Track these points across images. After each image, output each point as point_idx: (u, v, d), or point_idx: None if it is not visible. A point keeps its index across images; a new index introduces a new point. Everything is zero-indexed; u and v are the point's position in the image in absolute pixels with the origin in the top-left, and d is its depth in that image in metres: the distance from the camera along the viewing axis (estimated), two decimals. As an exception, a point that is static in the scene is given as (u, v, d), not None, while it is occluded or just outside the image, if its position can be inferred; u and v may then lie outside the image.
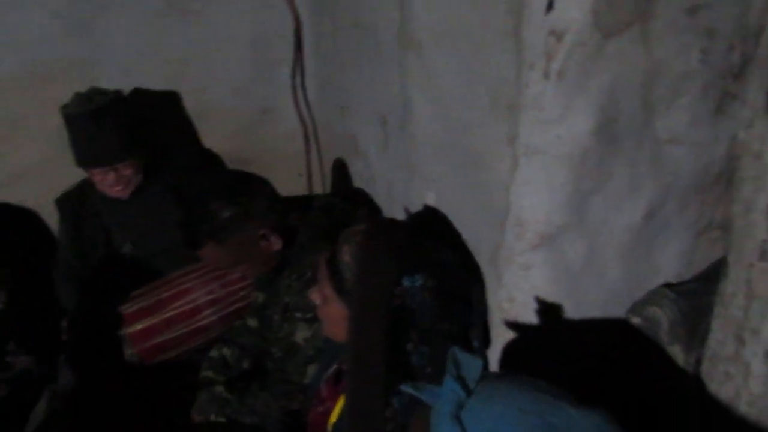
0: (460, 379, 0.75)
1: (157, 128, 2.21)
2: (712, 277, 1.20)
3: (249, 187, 1.61)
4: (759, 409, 1.06)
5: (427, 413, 0.83)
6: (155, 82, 2.31)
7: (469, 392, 0.75)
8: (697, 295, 1.19)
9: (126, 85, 2.23)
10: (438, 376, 0.79)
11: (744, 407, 1.07)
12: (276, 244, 1.58)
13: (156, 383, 1.86)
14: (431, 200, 1.42)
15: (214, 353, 1.81)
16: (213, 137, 2.46)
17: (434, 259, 1.18)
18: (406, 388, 0.77)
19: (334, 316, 1.21)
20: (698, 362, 1.14)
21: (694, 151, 1.10)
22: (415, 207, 1.50)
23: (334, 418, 1.32)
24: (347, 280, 1.16)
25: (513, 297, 1.15)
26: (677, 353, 1.16)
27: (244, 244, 1.55)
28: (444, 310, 1.15)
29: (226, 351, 1.81)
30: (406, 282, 1.12)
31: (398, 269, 1.12)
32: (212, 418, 1.66)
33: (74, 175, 2.07)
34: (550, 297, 1.14)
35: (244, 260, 1.60)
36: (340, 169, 2.26)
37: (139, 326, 1.87)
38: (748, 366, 1.05)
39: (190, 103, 2.39)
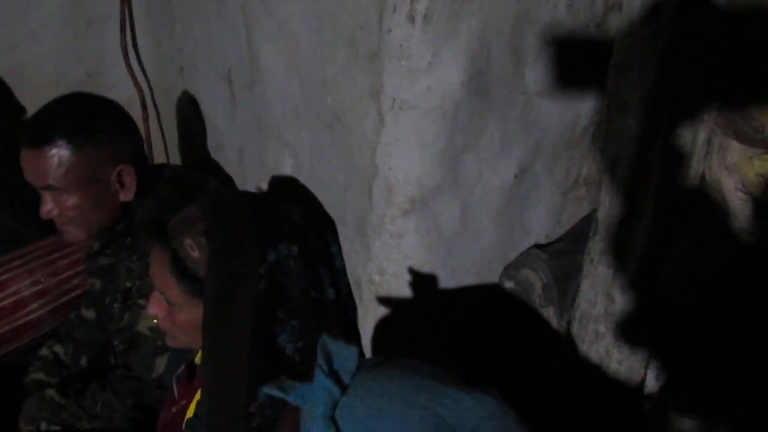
0: (333, 375, 0.64)
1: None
2: (579, 236, 1.20)
3: (118, 115, 1.40)
4: (628, 367, 1.08)
5: (297, 410, 0.72)
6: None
7: (343, 388, 0.65)
8: (567, 255, 1.18)
9: None
10: (310, 352, 0.69)
11: (614, 365, 1.08)
12: (127, 193, 1.35)
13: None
14: (288, 166, 1.30)
15: (44, 352, 1.61)
16: (31, 105, 2.15)
17: (292, 221, 1.07)
18: (270, 390, 0.64)
19: (184, 324, 1.05)
20: (569, 323, 1.14)
21: (563, 105, 1.07)
22: (271, 175, 1.38)
23: (190, 413, 1.18)
24: (201, 279, 1.00)
25: (384, 269, 1.08)
26: (551, 315, 1.15)
27: (94, 169, 1.30)
28: (311, 276, 1.05)
29: (58, 348, 1.61)
30: (270, 256, 1.00)
31: (261, 245, 1.00)
32: (43, 427, 1.47)
33: None
34: (424, 266, 1.08)
35: (83, 190, 1.32)
36: (185, 137, 2.07)
37: (-56, 329, 1.61)
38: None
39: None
